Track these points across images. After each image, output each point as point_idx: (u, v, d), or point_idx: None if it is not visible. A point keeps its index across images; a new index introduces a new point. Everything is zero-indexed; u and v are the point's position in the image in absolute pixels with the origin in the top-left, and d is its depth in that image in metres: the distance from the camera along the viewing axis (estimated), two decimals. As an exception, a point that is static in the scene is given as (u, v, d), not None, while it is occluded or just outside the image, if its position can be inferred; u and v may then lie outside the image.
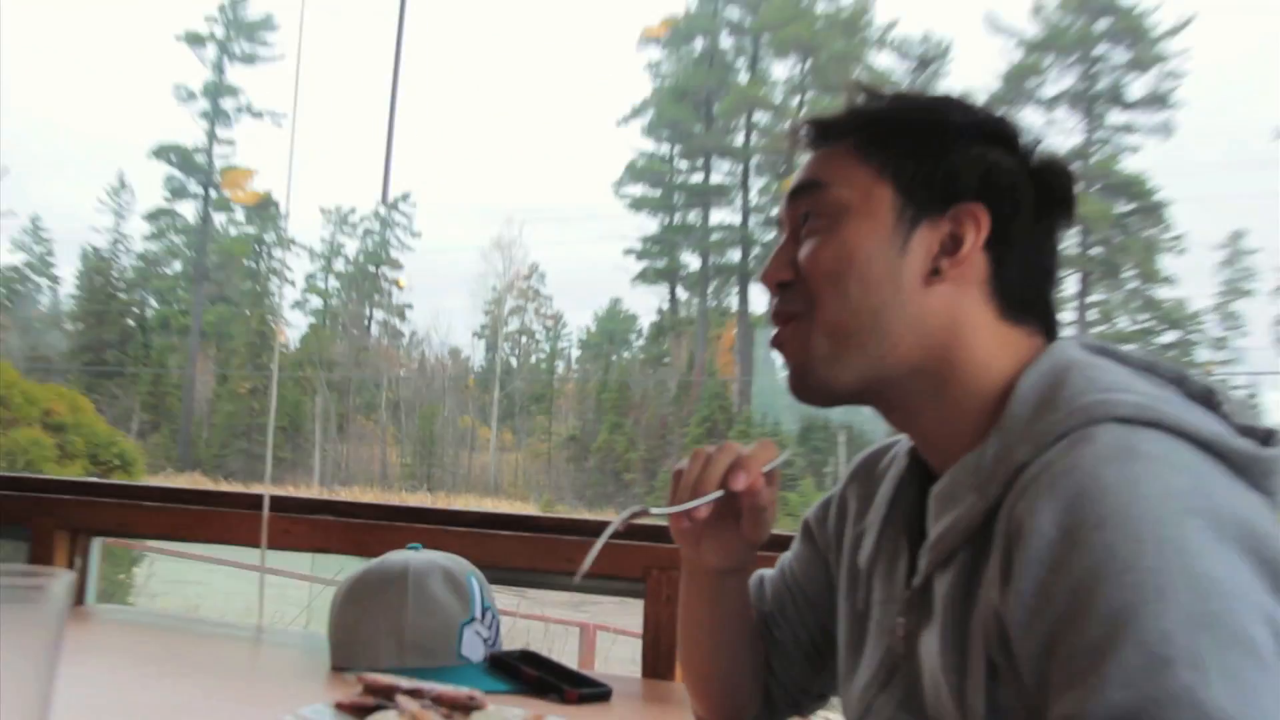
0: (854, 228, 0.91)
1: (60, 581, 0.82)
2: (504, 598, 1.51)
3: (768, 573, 1.20)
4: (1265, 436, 0.81)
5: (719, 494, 0.97)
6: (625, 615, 4.61)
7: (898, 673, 0.94)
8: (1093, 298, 25.93)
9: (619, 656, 5.99)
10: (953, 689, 0.84)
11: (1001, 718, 0.80)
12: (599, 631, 6.50)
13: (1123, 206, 25.25)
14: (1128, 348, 0.92)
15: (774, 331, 0.96)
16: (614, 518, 1.00)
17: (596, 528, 1.69)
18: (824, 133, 0.96)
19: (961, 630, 0.84)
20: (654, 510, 0.99)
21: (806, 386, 0.94)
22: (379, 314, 33.29)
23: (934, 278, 0.89)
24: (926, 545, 0.89)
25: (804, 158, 0.98)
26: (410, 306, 33.53)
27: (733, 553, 1.06)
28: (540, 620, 6.70)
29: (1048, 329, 0.93)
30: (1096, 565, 0.69)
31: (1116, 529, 0.70)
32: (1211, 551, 0.68)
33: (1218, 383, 0.88)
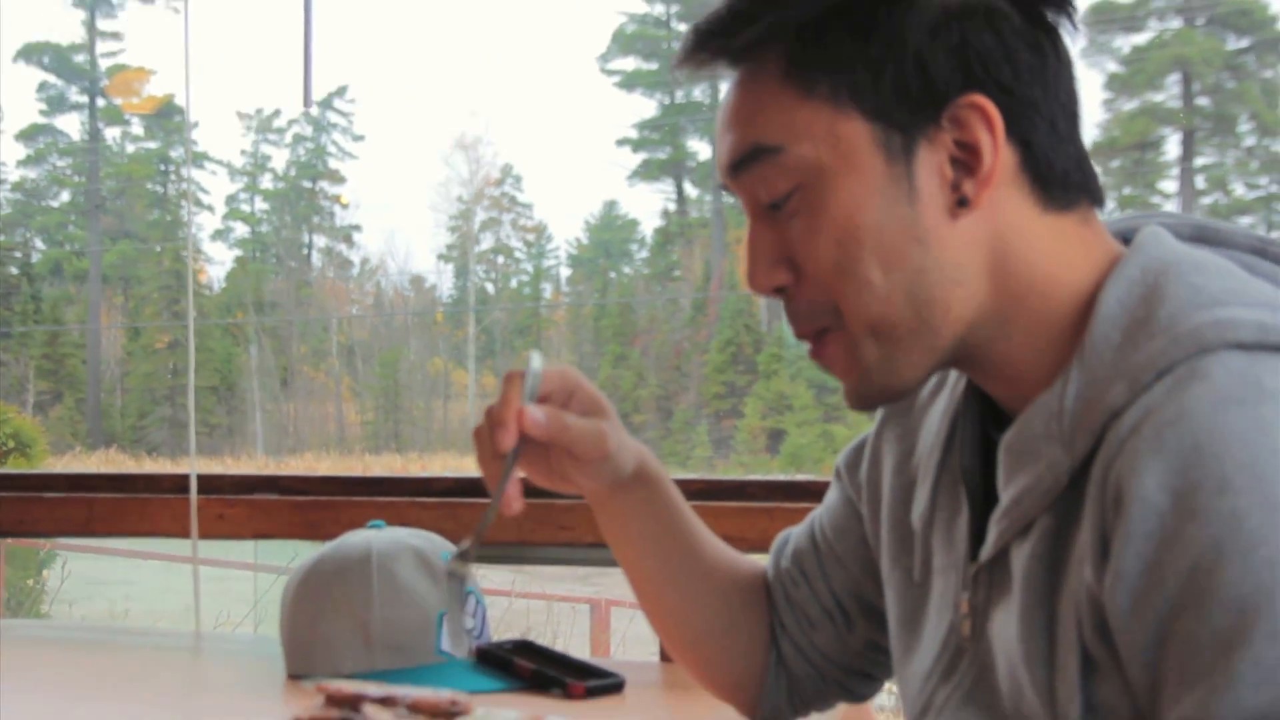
0: (842, 192, 0.85)
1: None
2: (493, 577, 1.53)
3: (797, 529, 1.21)
4: None
5: (510, 466, 0.99)
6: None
7: (963, 659, 0.93)
8: (1200, 161, 25.72)
9: (638, 635, 6.03)
10: (1038, 685, 0.82)
11: (1101, 716, 0.79)
12: (613, 608, 6.56)
13: (1236, 42, 24.90)
14: (1232, 224, 0.89)
15: (809, 348, 0.92)
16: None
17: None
18: (730, 52, 0.88)
19: (1048, 613, 0.82)
20: (473, 541, 1.04)
21: (870, 399, 0.91)
22: (320, 240, 33.28)
23: (960, 209, 0.84)
24: (999, 510, 0.87)
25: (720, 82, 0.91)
26: (358, 229, 33.50)
27: (596, 471, 1.05)
28: (542, 599, 6.79)
29: (1093, 196, 0.88)
30: (1219, 539, 0.68)
31: (1243, 493, 0.68)
32: None
33: None
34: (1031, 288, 0.86)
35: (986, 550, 0.88)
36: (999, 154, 0.83)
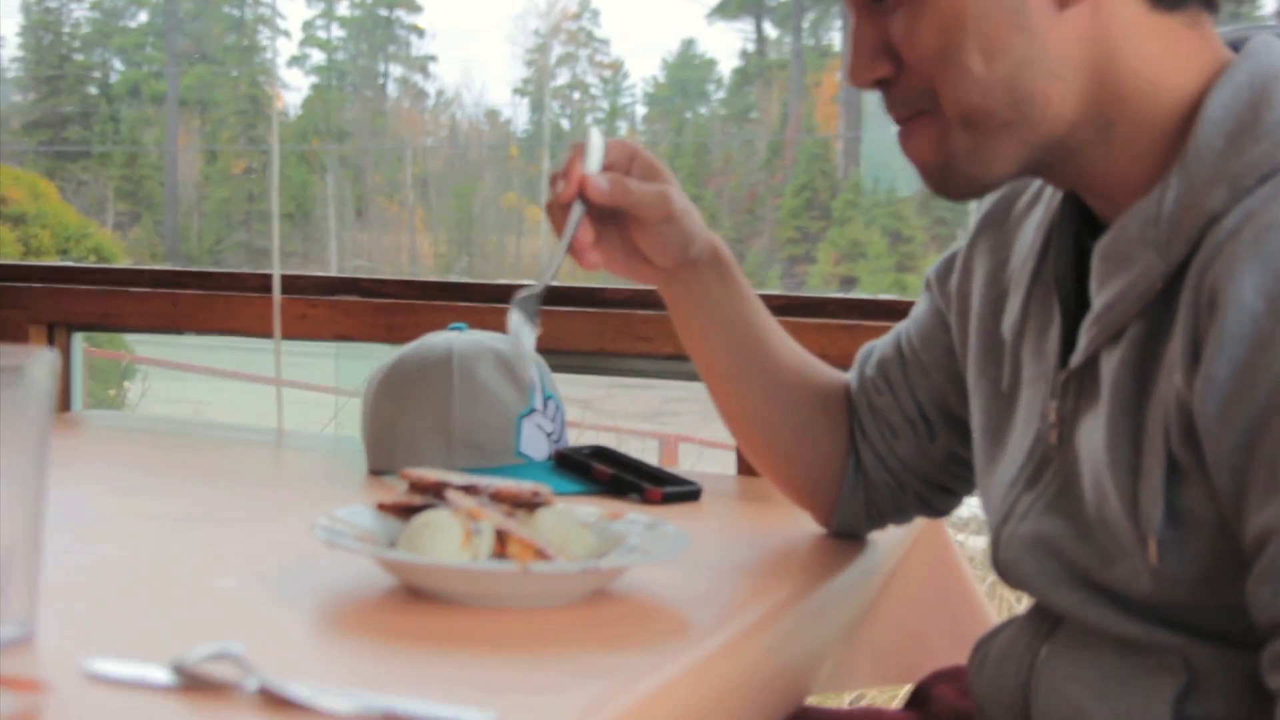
0: None
1: (40, 362, 0.84)
2: (568, 408, 1.53)
3: (881, 341, 1.21)
4: None
5: (577, 221, 1.05)
6: (710, 425, 4.69)
7: (1048, 467, 0.94)
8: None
9: (717, 465, 6.15)
10: (1122, 491, 0.84)
11: (1183, 526, 0.80)
12: (680, 444, 6.67)
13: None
14: None
15: (898, 132, 0.92)
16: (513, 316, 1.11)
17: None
18: None
19: (1136, 420, 0.83)
20: (540, 282, 1.09)
21: (954, 187, 0.92)
22: (396, 69, 33.01)
23: (1068, 0, 0.83)
24: (1090, 316, 0.87)
25: None
26: (434, 59, 33.17)
27: (664, 242, 1.08)
28: (612, 431, 6.89)
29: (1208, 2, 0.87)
30: None
31: None
32: None
33: None
34: (1136, 89, 0.85)
35: (1077, 356, 0.89)
36: None
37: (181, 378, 10.09)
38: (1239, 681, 0.81)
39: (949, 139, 0.88)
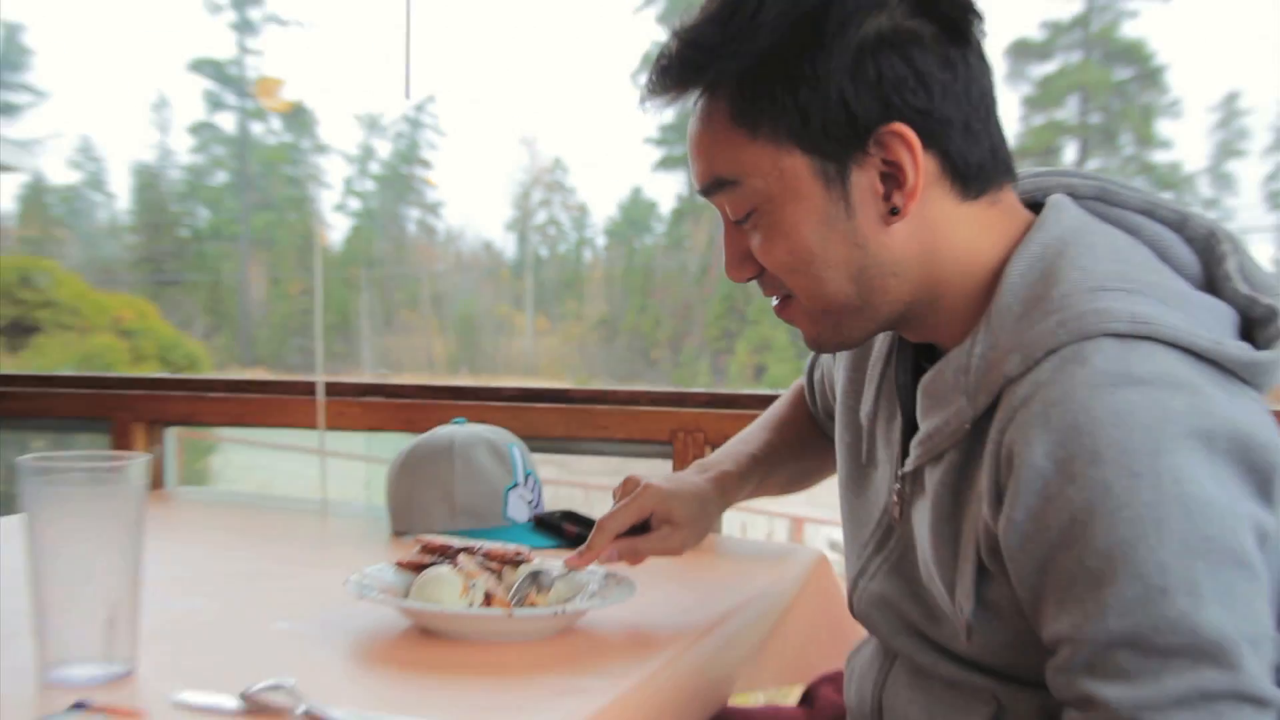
0: (790, 215, 0.80)
1: (137, 463, 0.85)
2: (545, 469, 1.53)
3: (813, 363, 1.19)
4: (1266, 313, 0.76)
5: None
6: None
7: (892, 536, 0.91)
8: (1090, 164, 25.34)
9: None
10: (945, 580, 0.82)
11: (990, 611, 0.78)
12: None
13: (1123, 73, 24.42)
14: (1128, 187, 0.84)
15: (774, 306, 0.88)
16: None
17: (627, 398, 1.72)
18: (685, 92, 0.83)
19: (953, 527, 0.80)
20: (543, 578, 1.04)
21: (825, 348, 0.89)
22: (414, 212, 32.86)
23: (892, 218, 0.79)
24: (916, 438, 0.84)
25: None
26: (443, 204, 32.96)
27: (688, 538, 1.06)
28: (581, 487, 6.82)
29: (1006, 175, 0.82)
30: (1092, 501, 0.66)
31: (1111, 464, 0.66)
32: (1206, 473, 0.66)
33: (1219, 224, 0.81)
34: (955, 268, 0.81)
35: (908, 464, 0.86)
36: (920, 168, 0.77)
37: (252, 451, 9.93)
38: (1037, 712, 0.80)
39: (813, 320, 0.85)
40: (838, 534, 1.06)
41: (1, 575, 1.13)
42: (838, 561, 1.37)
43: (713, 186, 0.83)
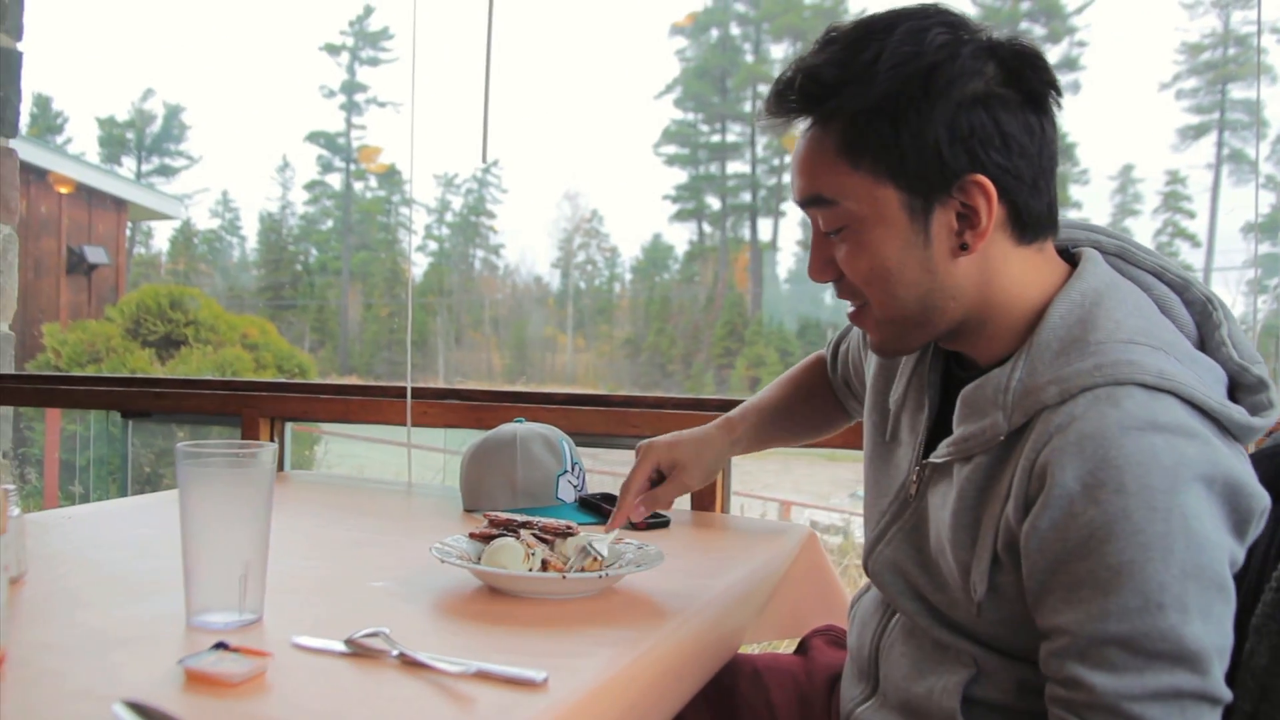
0: (876, 237, 0.77)
1: (268, 450, 0.84)
2: (587, 460, 1.53)
3: (842, 335, 1.15)
4: (1256, 383, 0.75)
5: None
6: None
7: (909, 508, 0.87)
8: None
9: (679, 503, 6.06)
10: (960, 562, 0.78)
11: (998, 595, 0.76)
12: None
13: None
14: (1142, 249, 0.82)
15: (849, 313, 0.85)
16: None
17: (654, 402, 1.71)
18: (801, 117, 0.79)
19: (975, 518, 0.77)
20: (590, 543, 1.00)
21: (886, 353, 0.87)
22: (480, 253, 33.17)
23: (961, 252, 0.76)
24: (949, 439, 0.80)
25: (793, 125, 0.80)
26: (504, 246, 33.29)
27: (695, 475, 1.07)
28: (616, 475, 6.79)
29: (1053, 229, 0.80)
30: (1111, 523, 0.65)
31: (1134, 496, 0.65)
32: (1206, 512, 0.66)
33: (1214, 293, 0.79)
34: (1004, 301, 0.79)
35: (937, 456, 0.81)
36: (993, 215, 0.75)
37: (349, 443, 9.96)
38: (1011, 679, 0.78)
39: (881, 327, 0.82)
40: (820, 515, 1.05)
41: (151, 541, 1.13)
42: (823, 539, 1.35)
43: (811, 201, 0.79)
